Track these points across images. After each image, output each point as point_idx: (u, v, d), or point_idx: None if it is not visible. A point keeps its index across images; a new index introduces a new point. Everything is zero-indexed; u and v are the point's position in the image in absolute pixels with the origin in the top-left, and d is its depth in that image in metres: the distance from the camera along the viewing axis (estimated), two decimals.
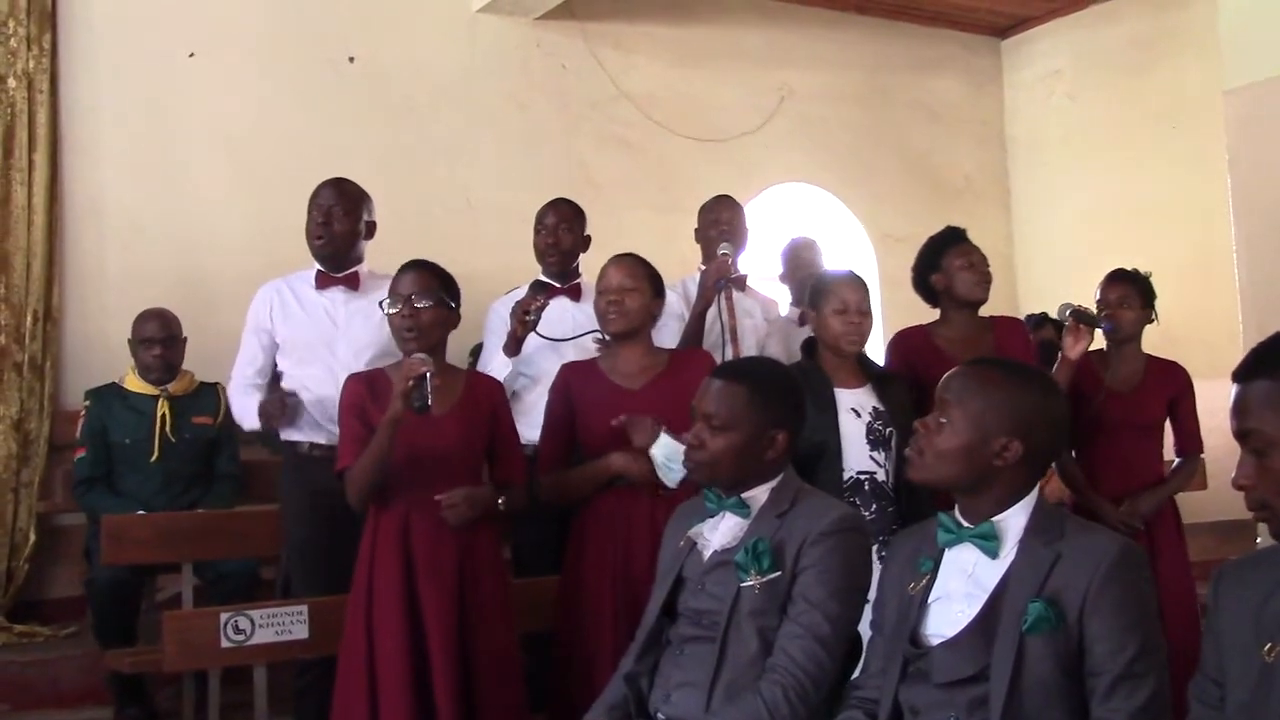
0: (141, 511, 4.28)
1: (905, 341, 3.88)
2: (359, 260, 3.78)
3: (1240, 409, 1.75)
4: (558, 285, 4.03)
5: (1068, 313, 3.84)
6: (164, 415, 4.49)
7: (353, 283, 3.67)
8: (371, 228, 3.82)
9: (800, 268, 4.85)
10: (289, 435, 3.71)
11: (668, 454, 3.06)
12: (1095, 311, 3.97)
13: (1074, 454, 4.09)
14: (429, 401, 2.92)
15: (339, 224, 3.71)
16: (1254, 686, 1.73)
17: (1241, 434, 1.74)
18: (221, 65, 5.87)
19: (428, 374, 2.92)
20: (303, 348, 3.71)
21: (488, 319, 4.05)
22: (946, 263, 3.82)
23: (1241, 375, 1.76)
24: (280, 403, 3.61)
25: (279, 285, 3.82)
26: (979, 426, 2.07)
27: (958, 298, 3.81)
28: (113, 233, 5.58)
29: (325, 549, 3.37)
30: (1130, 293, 4.06)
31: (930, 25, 8.09)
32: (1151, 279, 4.12)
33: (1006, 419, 2.06)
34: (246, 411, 3.74)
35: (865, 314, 3.44)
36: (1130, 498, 3.97)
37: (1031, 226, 8.02)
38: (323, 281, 3.75)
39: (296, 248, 5.23)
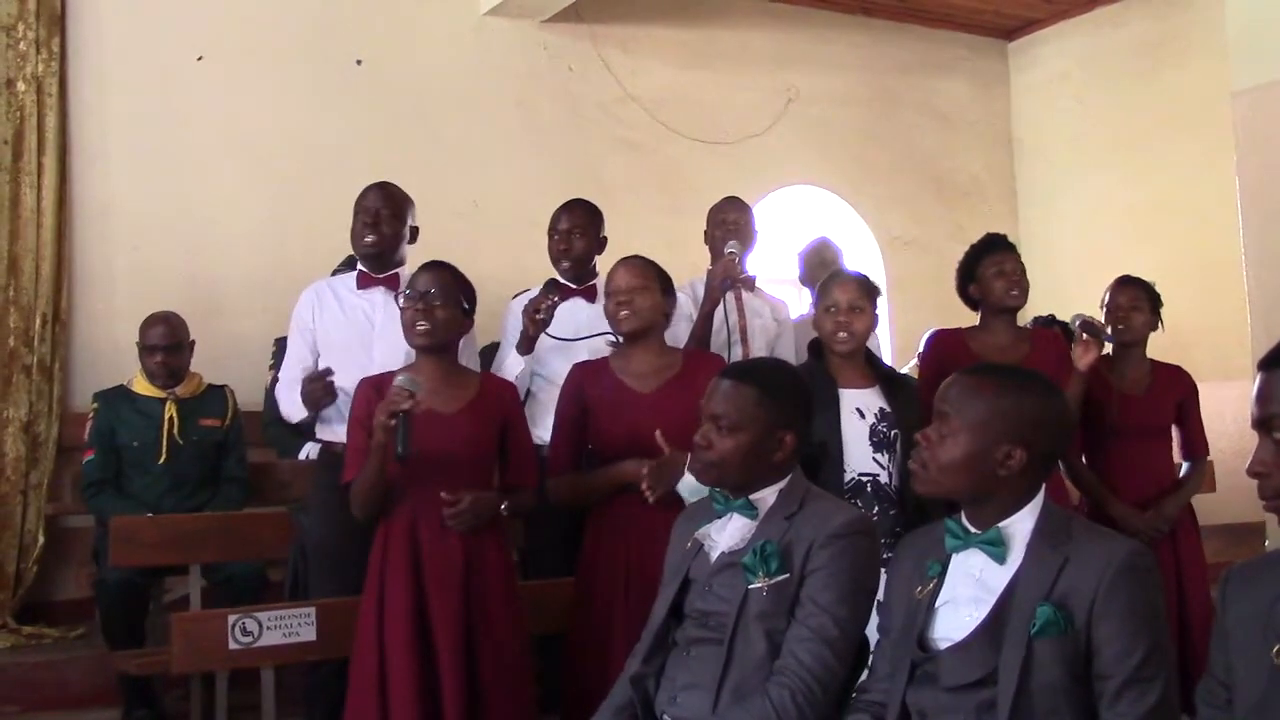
0: (149, 514, 4.29)
1: (941, 343, 3.91)
2: (401, 263, 3.79)
3: (1265, 395, 1.74)
4: (573, 286, 4.02)
5: (1077, 323, 3.85)
6: (171, 418, 4.49)
7: (393, 284, 3.66)
8: (415, 232, 3.83)
9: (818, 269, 4.85)
10: (324, 434, 3.71)
11: (693, 491, 2.98)
12: (1102, 321, 3.96)
13: (1084, 459, 4.08)
14: (409, 449, 2.85)
15: (386, 225, 3.72)
16: (1263, 689, 1.73)
17: (1265, 420, 1.73)
18: (229, 68, 5.88)
19: (409, 410, 2.85)
20: (339, 348, 3.70)
21: (504, 318, 4.05)
22: (981, 271, 3.87)
23: (1268, 363, 1.76)
24: (322, 386, 3.58)
25: (321, 286, 3.83)
26: (980, 437, 2.06)
27: (992, 305, 3.85)
28: (121, 236, 5.60)
29: (345, 549, 3.36)
30: (1140, 296, 4.08)
31: (937, 27, 8.09)
32: (1155, 288, 4.14)
33: (1007, 427, 2.05)
34: (294, 405, 3.69)
35: (857, 312, 3.39)
36: (1156, 504, 3.97)
37: (1038, 229, 8.01)
38: (364, 281, 3.75)
39: (305, 250, 5.29)
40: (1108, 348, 4.08)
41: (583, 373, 3.33)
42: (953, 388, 2.14)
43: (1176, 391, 4.11)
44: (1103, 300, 4.12)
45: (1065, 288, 6.38)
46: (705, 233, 4.48)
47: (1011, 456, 2.05)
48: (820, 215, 7.49)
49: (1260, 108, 4.48)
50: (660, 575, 2.72)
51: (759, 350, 4.15)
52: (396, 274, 3.71)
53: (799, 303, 5.51)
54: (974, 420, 2.07)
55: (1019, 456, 2.04)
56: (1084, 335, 3.78)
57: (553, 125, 6.75)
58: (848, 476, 3.27)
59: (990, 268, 3.85)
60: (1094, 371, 3.94)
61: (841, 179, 7.67)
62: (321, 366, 3.70)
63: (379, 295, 3.71)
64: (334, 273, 4.41)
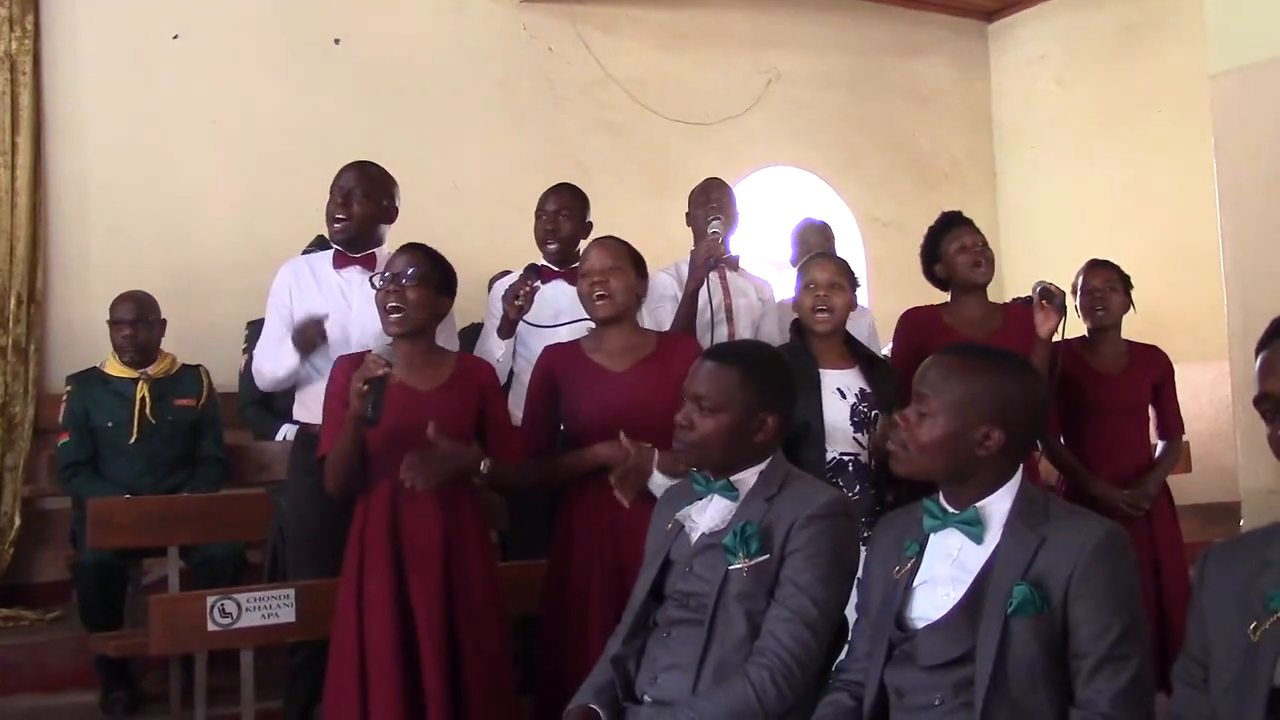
0: (127, 495, 4.27)
1: (915, 320, 3.89)
2: (379, 243, 3.75)
3: (1269, 369, 1.76)
4: (557, 270, 4.01)
5: (1037, 291, 3.82)
6: (143, 398, 4.47)
7: (370, 264, 3.63)
8: (393, 212, 3.80)
9: (810, 251, 4.84)
10: (301, 415, 3.69)
11: (664, 490, 2.94)
12: (1060, 287, 3.93)
13: (1061, 438, 4.10)
14: (380, 412, 2.84)
15: (358, 206, 3.67)
16: (1239, 666, 1.75)
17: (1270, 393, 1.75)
18: (206, 47, 5.84)
19: (384, 377, 2.84)
20: None
21: (489, 300, 4.03)
22: (944, 249, 3.85)
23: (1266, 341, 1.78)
24: (316, 327, 3.52)
25: (298, 263, 3.78)
26: (959, 417, 2.06)
27: (960, 282, 3.84)
28: (97, 216, 5.56)
29: (324, 530, 3.35)
30: (1114, 278, 4.11)
31: (917, 9, 8.09)
32: (1122, 269, 4.16)
33: (986, 408, 2.06)
34: (275, 363, 3.58)
35: (836, 290, 3.42)
36: (1137, 481, 3.99)
37: (1018, 211, 8.03)
38: (340, 261, 3.72)
39: (282, 231, 5.25)
40: (1082, 327, 4.10)
41: (553, 354, 3.31)
42: (931, 369, 2.14)
43: (1153, 371, 4.14)
44: (1074, 284, 4.12)
45: (1044, 269, 6.38)
46: (687, 214, 4.48)
47: (990, 437, 2.06)
48: (800, 196, 7.49)
49: (1238, 90, 4.49)
50: (633, 556, 2.72)
51: (744, 329, 4.17)
52: (373, 254, 3.69)
53: (781, 284, 5.50)
54: (952, 401, 2.08)
55: (997, 437, 2.06)
56: (1043, 302, 3.75)
57: (532, 106, 6.73)
58: (829, 456, 3.29)
59: (952, 244, 3.82)
60: (1070, 351, 3.97)
61: (822, 160, 7.67)
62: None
63: (355, 274, 3.68)
64: (305, 251, 4.37)
